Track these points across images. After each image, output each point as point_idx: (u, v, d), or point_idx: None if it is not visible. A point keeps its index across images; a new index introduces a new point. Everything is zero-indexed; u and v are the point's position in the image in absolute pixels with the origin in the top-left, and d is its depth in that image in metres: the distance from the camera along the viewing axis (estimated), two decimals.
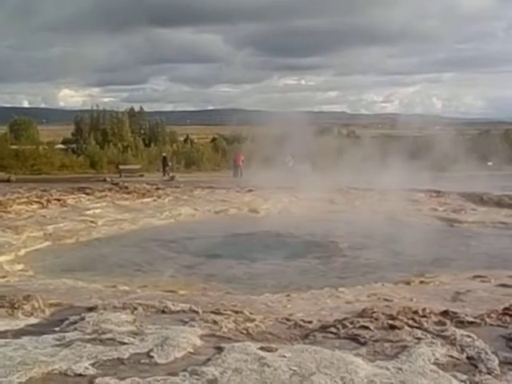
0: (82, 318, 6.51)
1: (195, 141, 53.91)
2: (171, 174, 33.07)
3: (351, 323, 6.42)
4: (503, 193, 21.12)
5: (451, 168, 26.65)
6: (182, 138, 56.06)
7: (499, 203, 20.03)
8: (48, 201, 19.24)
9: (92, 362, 5.24)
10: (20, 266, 11.70)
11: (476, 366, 5.29)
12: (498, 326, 6.49)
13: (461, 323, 6.53)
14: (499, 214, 18.43)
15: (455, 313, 6.84)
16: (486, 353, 5.52)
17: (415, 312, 6.82)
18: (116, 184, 25.59)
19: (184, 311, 7.07)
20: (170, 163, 35.83)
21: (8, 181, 29.33)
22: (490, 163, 35.21)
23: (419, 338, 5.94)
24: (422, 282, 10.01)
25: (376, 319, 6.54)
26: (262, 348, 5.61)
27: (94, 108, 48.43)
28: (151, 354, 5.47)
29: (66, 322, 6.48)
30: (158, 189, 23.30)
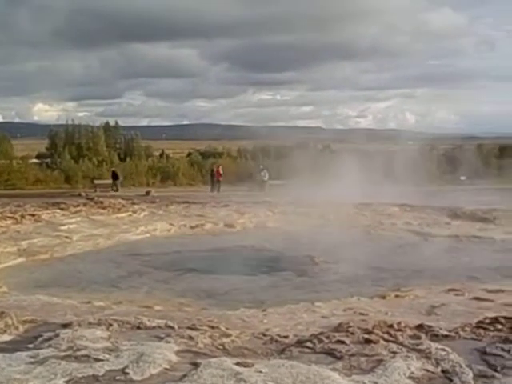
0: (57, 335, 6.45)
1: (171, 155, 53.94)
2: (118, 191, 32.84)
3: (327, 338, 6.44)
4: (476, 207, 21.36)
5: (425, 182, 26.92)
6: (157, 153, 56.06)
7: (472, 217, 20.24)
8: (22, 216, 19.05)
9: (66, 379, 5.20)
10: None
11: (451, 380, 5.34)
12: (472, 339, 6.56)
13: (435, 337, 6.58)
14: (473, 227, 18.62)
15: (430, 326, 6.89)
16: (461, 366, 5.57)
17: (390, 326, 6.86)
18: (91, 199, 25.42)
19: (160, 327, 7.04)
20: (120, 177, 35.52)
21: None
22: (463, 177, 35.63)
23: (395, 352, 5.98)
24: (397, 296, 10.06)
25: (352, 333, 6.57)
26: (238, 363, 5.60)
27: (69, 122, 48.23)
28: (126, 370, 5.43)
29: (40, 338, 6.42)
30: (133, 204, 23.20)
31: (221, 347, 6.27)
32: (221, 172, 35.90)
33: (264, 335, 6.73)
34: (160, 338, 6.51)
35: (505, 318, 7.16)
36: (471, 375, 5.39)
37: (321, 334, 6.60)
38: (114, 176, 35.55)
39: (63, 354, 5.85)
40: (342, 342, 6.29)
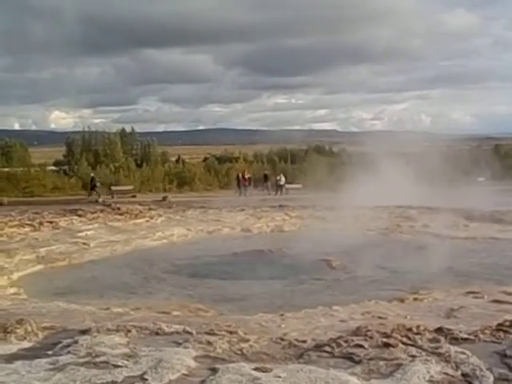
0: (76, 341, 6.47)
1: (187, 161, 54.10)
2: (101, 199, 32.05)
3: (346, 342, 6.40)
4: (494, 208, 21.20)
5: (442, 184, 26.75)
6: (173, 159, 56.25)
7: (490, 219, 20.11)
8: (40, 223, 19.19)
9: None
10: (12, 290, 11.64)
11: (471, 383, 5.29)
12: (492, 342, 6.50)
13: (455, 340, 6.53)
14: (491, 229, 18.50)
15: (449, 329, 6.84)
16: (481, 369, 5.52)
17: (409, 329, 6.81)
18: (108, 205, 25.54)
19: (178, 333, 7.04)
20: (98, 184, 34.66)
21: (0, 204, 29.24)
22: (480, 179, 35.35)
23: (414, 356, 5.94)
24: (415, 299, 10.02)
25: (370, 337, 6.54)
26: (256, 368, 5.59)
27: (86, 129, 48.49)
28: (145, 376, 5.43)
29: (60, 345, 6.44)
30: (150, 209, 23.28)
31: (239, 352, 6.26)
32: (246, 176, 36.16)
33: (282, 340, 6.71)
34: (178, 344, 6.51)
35: None
36: (492, 379, 5.34)
37: (339, 338, 6.57)
38: (92, 182, 34.62)
39: (82, 360, 5.87)
40: (361, 346, 6.26)
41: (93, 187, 34.09)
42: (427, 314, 8.57)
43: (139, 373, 5.51)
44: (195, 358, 5.99)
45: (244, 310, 9.69)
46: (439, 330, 6.82)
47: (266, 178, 37.78)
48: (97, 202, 30.52)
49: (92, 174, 36.38)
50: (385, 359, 5.87)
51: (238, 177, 36.66)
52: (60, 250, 15.71)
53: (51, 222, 19.49)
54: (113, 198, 33.10)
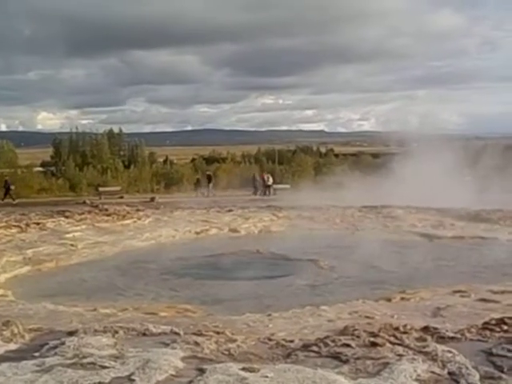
0: (63, 343, 6.45)
1: (175, 161, 54.03)
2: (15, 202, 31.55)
3: (333, 341, 6.43)
4: (481, 207, 21.30)
5: (429, 184, 26.83)
6: (161, 159, 56.17)
7: (477, 218, 20.21)
8: (27, 225, 19.09)
9: None
10: None
11: (457, 382, 5.33)
12: (478, 340, 6.55)
13: (441, 339, 6.57)
14: (477, 228, 18.60)
15: (436, 328, 6.88)
16: (467, 368, 5.56)
17: (396, 328, 6.85)
18: (96, 206, 25.45)
19: (165, 333, 7.04)
20: (12, 187, 33.28)
21: None
22: (467, 178, 35.48)
23: (401, 355, 5.97)
24: (402, 299, 10.05)
25: (357, 337, 6.57)
26: (244, 368, 5.60)
27: (73, 130, 48.23)
28: (133, 377, 5.43)
29: (46, 346, 6.42)
30: (138, 210, 23.21)
31: (226, 352, 6.27)
32: (264, 177, 36.32)
33: (269, 340, 6.72)
34: (166, 345, 6.51)
35: (511, 318, 7.15)
36: (478, 377, 5.38)
37: (326, 337, 6.59)
38: (6, 185, 33.18)
39: (69, 361, 5.86)
40: (348, 346, 6.29)
41: (7, 191, 33.29)
42: (414, 313, 8.61)
43: (127, 374, 5.51)
44: (183, 359, 6.00)
45: (231, 310, 9.68)
46: (426, 329, 6.86)
47: (209, 178, 36.87)
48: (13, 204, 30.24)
49: (6, 177, 35.01)
50: (372, 358, 5.90)
51: (253, 176, 36.84)
52: (47, 251, 15.64)
53: (38, 224, 19.40)
54: (100, 199, 32.98)
